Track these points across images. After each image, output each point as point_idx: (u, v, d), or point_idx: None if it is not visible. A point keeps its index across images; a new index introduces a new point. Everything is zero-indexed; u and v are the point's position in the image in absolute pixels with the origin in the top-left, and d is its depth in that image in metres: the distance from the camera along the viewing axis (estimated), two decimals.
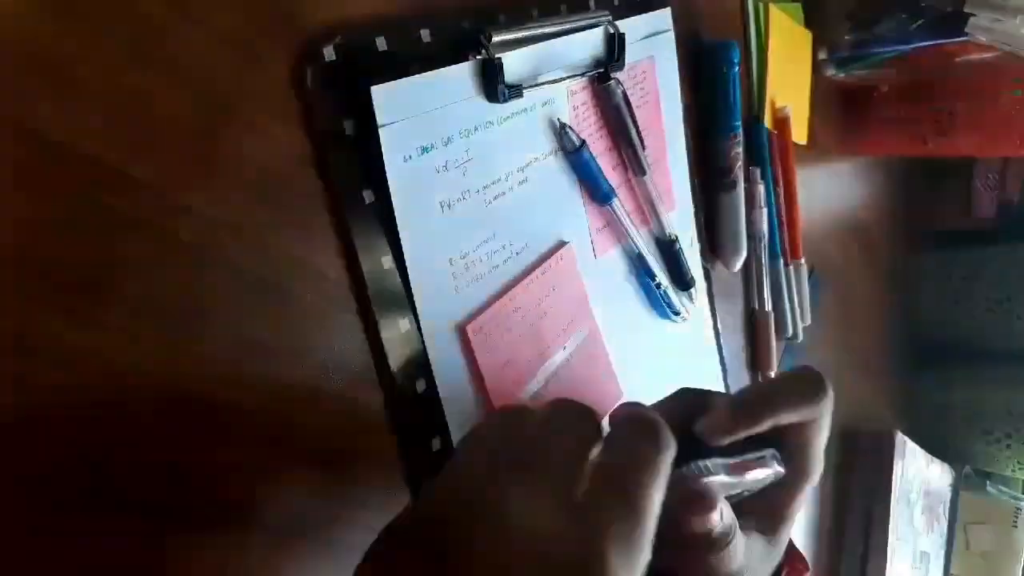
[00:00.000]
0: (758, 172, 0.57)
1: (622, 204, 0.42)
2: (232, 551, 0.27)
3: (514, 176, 0.35)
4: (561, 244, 0.39)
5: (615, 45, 0.40)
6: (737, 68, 0.52)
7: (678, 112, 0.49)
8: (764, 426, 0.31)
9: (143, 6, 0.23)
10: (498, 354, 0.34)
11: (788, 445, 0.33)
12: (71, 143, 0.22)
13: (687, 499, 0.28)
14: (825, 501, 0.75)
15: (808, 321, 0.64)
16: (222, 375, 0.26)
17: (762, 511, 0.33)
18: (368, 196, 0.29)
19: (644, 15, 0.44)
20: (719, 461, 0.29)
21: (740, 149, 0.53)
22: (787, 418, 0.31)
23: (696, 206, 0.52)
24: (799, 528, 0.69)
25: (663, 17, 0.46)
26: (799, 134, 0.66)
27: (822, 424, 0.33)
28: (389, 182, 0.29)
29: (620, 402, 0.39)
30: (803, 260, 0.64)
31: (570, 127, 0.38)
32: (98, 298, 0.23)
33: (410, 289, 0.30)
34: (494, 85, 0.33)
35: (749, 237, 0.56)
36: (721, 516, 0.29)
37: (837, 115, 0.78)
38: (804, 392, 0.31)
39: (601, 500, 0.22)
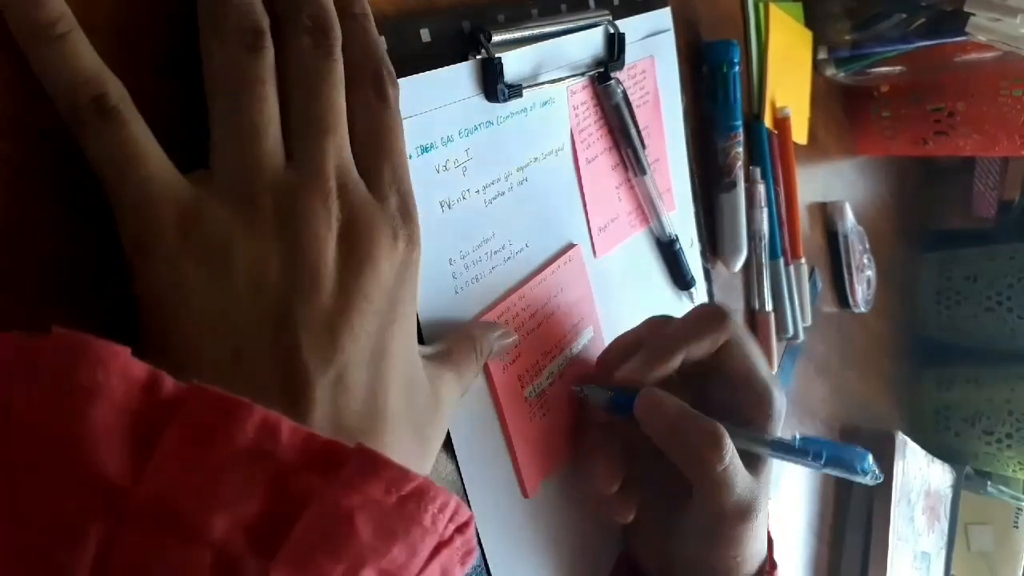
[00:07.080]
0: (758, 172, 0.57)
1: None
2: None
3: (514, 176, 0.35)
4: (570, 246, 0.39)
5: (615, 45, 0.40)
6: (737, 68, 0.52)
7: (678, 112, 0.49)
8: (677, 361, 0.35)
9: None
10: (504, 352, 0.34)
11: (737, 385, 0.36)
12: None
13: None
14: (825, 501, 0.74)
15: (808, 321, 0.64)
16: None
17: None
18: None
19: (644, 15, 0.44)
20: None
21: (740, 149, 0.53)
22: (697, 349, 0.35)
23: (696, 206, 0.52)
24: (799, 527, 0.69)
25: (663, 17, 0.46)
26: (799, 134, 0.66)
27: (745, 350, 0.36)
28: None
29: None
30: (803, 260, 0.64)
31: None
32: None
33: None
34: (494, 85, 0.33)
35: (749, 237, 0.56)
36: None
37: (837, 115, 0.78)
38: (702, 324, 0.36)
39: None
